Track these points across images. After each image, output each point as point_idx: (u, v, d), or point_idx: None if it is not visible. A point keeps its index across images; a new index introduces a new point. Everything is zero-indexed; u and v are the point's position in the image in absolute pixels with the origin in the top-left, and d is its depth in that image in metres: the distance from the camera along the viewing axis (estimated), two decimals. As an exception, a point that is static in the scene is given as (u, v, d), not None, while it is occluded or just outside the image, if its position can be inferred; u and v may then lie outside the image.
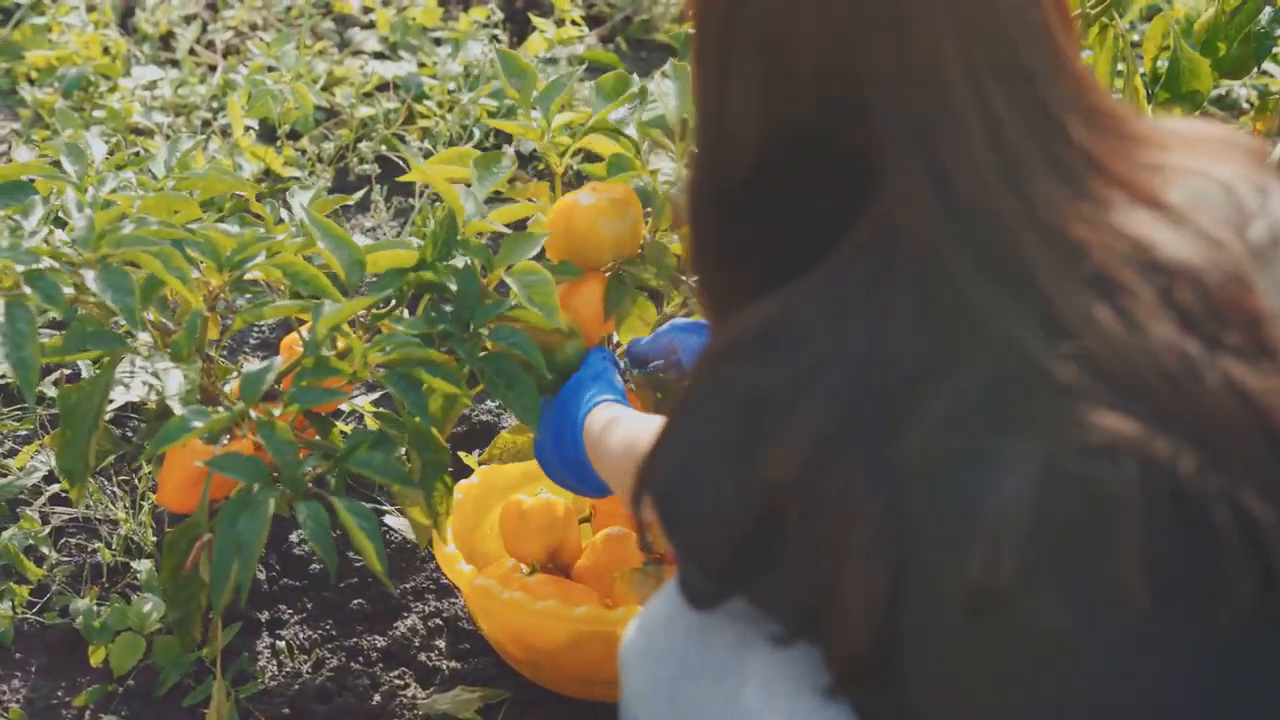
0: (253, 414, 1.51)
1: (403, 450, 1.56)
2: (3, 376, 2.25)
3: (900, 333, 0.99)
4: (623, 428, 1.54)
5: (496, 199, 2.13)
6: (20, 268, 1.46)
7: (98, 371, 1.58)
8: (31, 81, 3.06)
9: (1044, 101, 1.02)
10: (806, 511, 1.00)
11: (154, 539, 1.98)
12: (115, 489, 2.04)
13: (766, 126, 1.08)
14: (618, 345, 1.84)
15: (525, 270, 1.61)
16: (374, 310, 1.61)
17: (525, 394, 1.57)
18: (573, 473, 1.61)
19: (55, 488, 2.06)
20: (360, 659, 1.85)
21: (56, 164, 1.73)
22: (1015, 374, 0.96)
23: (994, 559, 0.94)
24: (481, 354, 1.58)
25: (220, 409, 1.52)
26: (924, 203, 1.01)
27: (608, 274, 1.74)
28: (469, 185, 1.68)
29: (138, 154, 1.85)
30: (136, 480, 2.06)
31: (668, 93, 1.82)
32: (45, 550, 1.97)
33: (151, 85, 2.98)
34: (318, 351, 1.53)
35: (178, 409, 1.51)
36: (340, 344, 1.57)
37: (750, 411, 1.03)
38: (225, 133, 2.82)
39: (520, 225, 1.80)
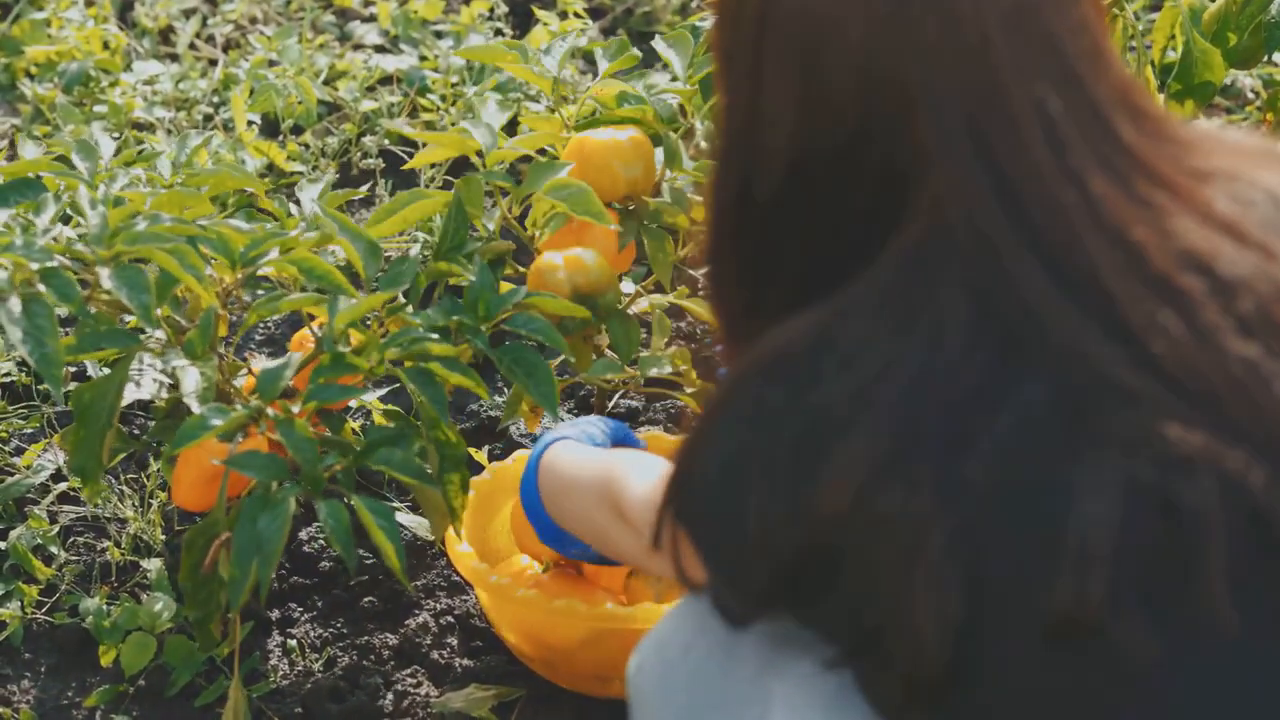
0: (270, 411, 1.50)
1: (417, 446, 1.56)
2: (7, 374, 2.24)
3: (960, 342, 0.95)
4: (590, 464, 1.47)
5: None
6: (35, 265, 1.45)
7: (107, 371, 1.57)
8: (31, 77, 3.04)
9: (1092, 101, 1.00)
10: (867, 535, 0.96)
11: (163, 537, 1.97)
12: (124, 487, 2.03)
13: (802, 131, 1.03)
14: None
15: (560, 185, 1.63)
16: (388, 305, 1.60)
17: (544, 381, 1.56)
18: (552, 542, 1.56)
19: (63, 486, 2.04)
20: (372, 657, 1.84)
21: (64, 160, 1.72)
22: (1084, 384, 0.93)
23: (1081, 584, 0.90)
24: (498, 345, 1.58)
25: (236, 406, 1.52)
26: (981, 201, 0.97)
27: (620, 210, 1.75)
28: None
29: (142, 152, 1.83)
30: (145, 478, 2.05)
31: (672, 59, 1.86)
32: (54, 549, 1.96)
33: (152, 80, 2.97)
34: (334, 348, 1.53)
35: (196, 407, 1.49)
36: (355, 339, 1.56)
37: (801, 431, 0.98)
38: (227, 127, 2.81)
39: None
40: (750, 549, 1.01)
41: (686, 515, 1.07)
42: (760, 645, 1.09)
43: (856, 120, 1.01)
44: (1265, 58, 2.03)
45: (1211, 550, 0.90)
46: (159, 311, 1.57)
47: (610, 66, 1.85)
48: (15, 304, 1.43)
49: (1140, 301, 0.95)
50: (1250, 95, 2.89)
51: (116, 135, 2.69)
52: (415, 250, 1.63)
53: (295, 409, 1.52)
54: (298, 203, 1.78)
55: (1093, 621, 0.91)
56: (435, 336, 1.52)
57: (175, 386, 1.62)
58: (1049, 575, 0.91)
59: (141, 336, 1.53)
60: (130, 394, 1.68)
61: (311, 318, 1.70)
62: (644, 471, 1.39)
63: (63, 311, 1.46)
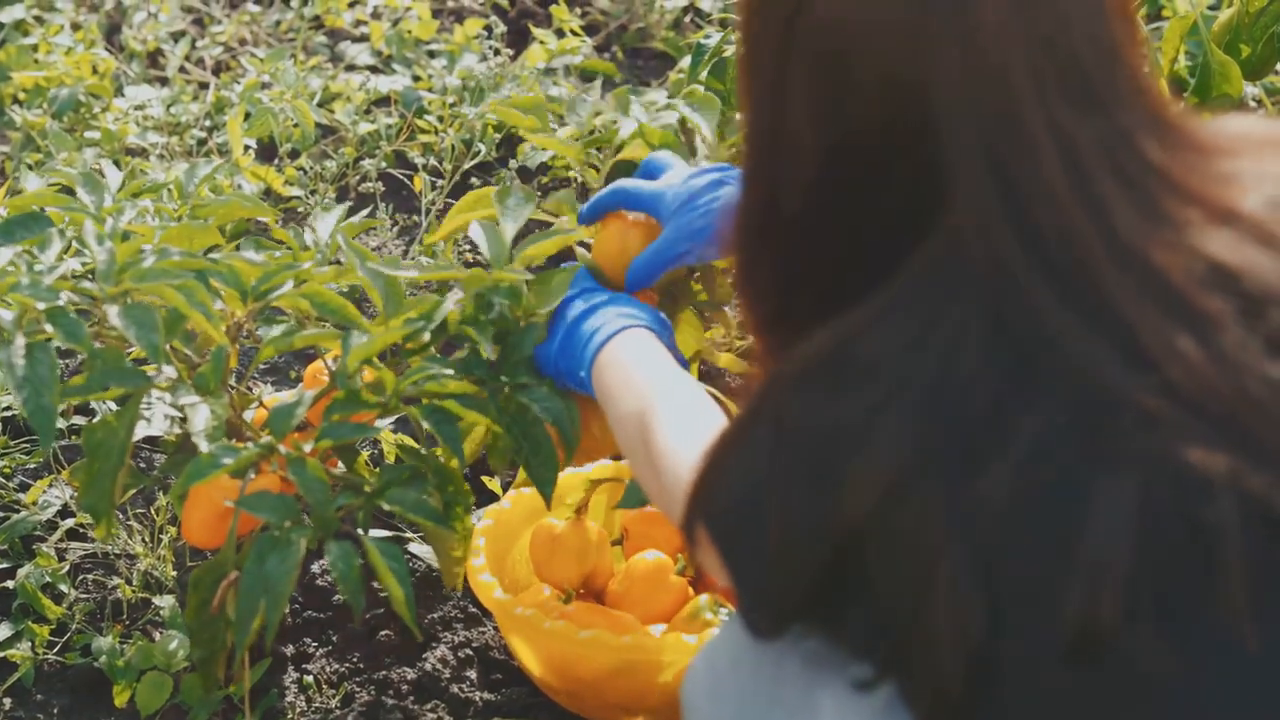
0: (282, 449, 1.47)
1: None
2: (8, 409, 2.20)
3: (973, 362, 0.95)
4: (636, 384, 1.40)
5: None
6: (42, 305, 1.42)
7: (117, 408, 1.54)
8: (19, 103, 3.00)
9: (1117, 125, 0.99)
10: (885, 549, 0.96)
11: (174, 574, 1.94)
12: (132, 522, 1.99)
13: (827, 142, 1.03)
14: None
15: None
16: (405, 344, 1.56)
17: (547, 465, 1.51)
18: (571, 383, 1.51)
19: (70, 523, 2.01)
20: (391, 692, 1.80)
21: (66, 190, 1.69)
22: (1099, 406, 0.93)
23: (1094, 599, 0.90)
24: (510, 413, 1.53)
25: (248, 443, 1.48)
26: (995, 225, 0.97)
27: (658, 293, 1.70)
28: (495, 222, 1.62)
29: (146, 184, 1.80)
30: (154, 513, 2.01)
31: (700, 123, 1.81)
32: (63, 588, 1.92)
33: (143, 105, 2.93)
34: (348, 384, 1.50)
35: (204, 446, 1.46)
36: (369, 375, 1.53)
37: (818, 447, 0.99)
38: (221, 151, 2.78)
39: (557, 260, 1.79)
40: (773, 563, 1.02)
41: (711, 528, 1.07)
42: (808, 658, 1.09)
43: (879, 134, 1.01)
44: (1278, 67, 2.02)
45: (1232, 566, 0.90)
46: (168, 346, 1.54)
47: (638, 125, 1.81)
48: (19, 347, 1.40)
49: (1157, 328, 0.94)
50: (1253, 104, 2.88)
51: (114, 163, 2.65)
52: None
53: (308, 446, 1.48)
54: (303, 230, 1.75)
55: (1107, 636, 0.91)
56: (451, 372, 1.49)
57: (186, 421, 1.59)
58: (1062, 590, 0.92)
59: (150, 372, 1.50)
60: (140, 430, 1.65)
61: (326, 350, 1.67)
62: (679, 418, 1.35)
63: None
